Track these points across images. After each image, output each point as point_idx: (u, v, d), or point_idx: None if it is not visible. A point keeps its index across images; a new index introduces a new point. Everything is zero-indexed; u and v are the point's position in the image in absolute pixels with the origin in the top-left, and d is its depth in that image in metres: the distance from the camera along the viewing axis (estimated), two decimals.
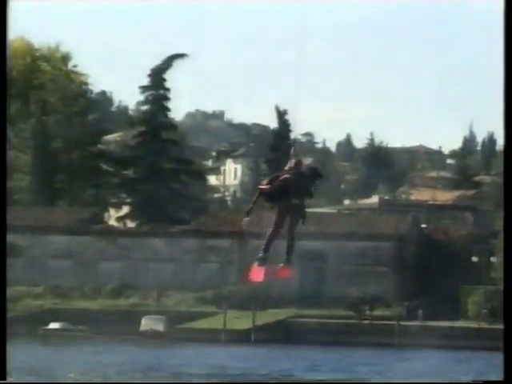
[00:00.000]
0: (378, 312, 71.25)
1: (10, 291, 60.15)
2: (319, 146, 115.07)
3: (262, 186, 17.18)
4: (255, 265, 16.37)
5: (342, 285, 76.12)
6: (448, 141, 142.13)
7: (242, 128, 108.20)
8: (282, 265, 16.41)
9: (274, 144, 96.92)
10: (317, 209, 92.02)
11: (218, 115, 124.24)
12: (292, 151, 16.57)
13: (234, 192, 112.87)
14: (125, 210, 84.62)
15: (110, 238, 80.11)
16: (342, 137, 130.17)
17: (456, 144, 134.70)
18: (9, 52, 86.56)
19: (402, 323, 69.17)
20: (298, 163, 16.55)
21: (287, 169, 16.33)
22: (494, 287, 74.04)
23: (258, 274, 17.85)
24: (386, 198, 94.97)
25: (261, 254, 16.82)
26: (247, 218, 17.70)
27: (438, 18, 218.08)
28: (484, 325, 71.37)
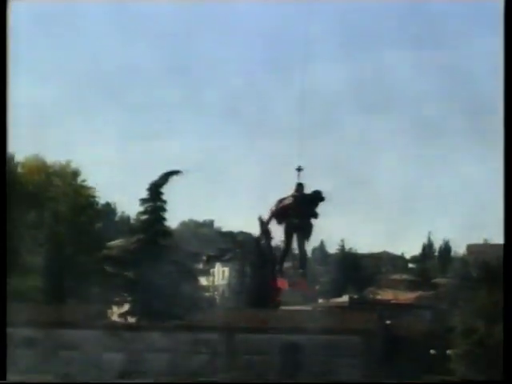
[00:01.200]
0: None
1: (24, 378, 61.24)
2: (297, 251, 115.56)
3: (273, 209, 19.07)
4: (277, 276, 19.40)
5: (316, 372, 76.01)
6: (409, 247, 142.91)
7: (229, 235, 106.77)
8: (299, 277, 19.75)
9: (256, 249, 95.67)
10: (295, 306, 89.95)
11: (208, 224, 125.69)
12: (297, 178, 19.20)
13: (223, 291, 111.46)
14: (126, 307, 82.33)
15: (112, 331, 78.12)
16: (317, 243, 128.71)
17: (416, 250, 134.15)
18: (25, 168, 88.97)
19: None
20: (300, 188, 19.15)
21: (292, 193, 19.03)
22: (451, 377, 75.13)
23: (283, 283, 19.50)
24: (356, 297, 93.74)
25: (277, 267, 19.55)
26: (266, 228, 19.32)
27: None
28: None
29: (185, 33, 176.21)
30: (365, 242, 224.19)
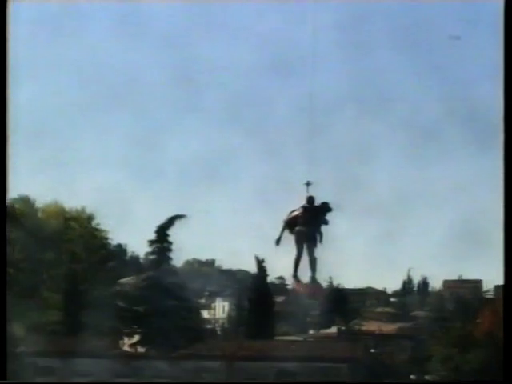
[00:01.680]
0: None
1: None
2: (290, 287, 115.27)
3: (285, 219, 19.48)
4: (295, 282, 19.88)
5: None
6: (391, 283, 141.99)
7: (229, 273, 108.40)
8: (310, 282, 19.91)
9: (253, 286, 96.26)
10: (288, 337, 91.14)
11: (210, 263, 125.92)
12: (307, 191, 19.29)
13: (223, 324, 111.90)
14: (136, 338, 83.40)
15: (123, 360, 78.09)
16: (306, 279, 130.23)
17: (397, 285, 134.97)
18: (44, 213, 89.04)
19: None
20: (310, 200, 19.29)
21: (302, 205, 19.27)
22: None
23: (302, 287, 20.38)
24: (343, 328, 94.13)
25: (294, 273, 19.96)
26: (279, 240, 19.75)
27: None
28: None
29: (189, 35, 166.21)
30: (350, 278, 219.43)
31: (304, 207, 20.15)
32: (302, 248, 20.38)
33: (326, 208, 20.12)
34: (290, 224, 20.27)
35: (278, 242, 20.01)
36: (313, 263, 20.57)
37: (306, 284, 21.44)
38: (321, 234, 20.21)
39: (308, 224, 19.94)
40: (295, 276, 20.94)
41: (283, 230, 20.38)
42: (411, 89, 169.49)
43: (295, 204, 20.80)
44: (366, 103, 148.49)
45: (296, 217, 20.23)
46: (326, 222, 20.05)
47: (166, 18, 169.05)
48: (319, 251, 20.87)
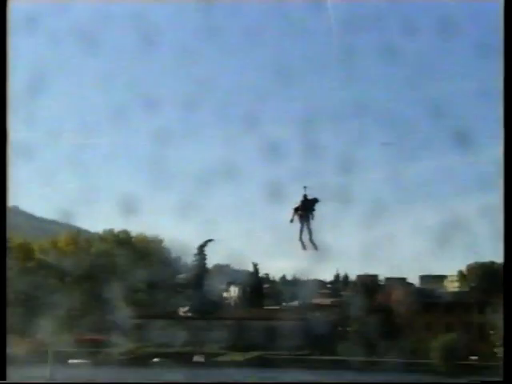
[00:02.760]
0: None
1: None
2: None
3: (294, 207, 23.43)
4: (301, 243, 23.13)
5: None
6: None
7: (239, 272, 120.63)
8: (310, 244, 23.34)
9: (251, 281, 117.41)
10: (270, 307, 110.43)
11: (228, 266, 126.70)
12: (304, 192, 23.39)
13: (235, 300, 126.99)
14: (186, 308, 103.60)
15: (180, 321, 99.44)
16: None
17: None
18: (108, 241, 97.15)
19: None
20: (305, 196, 23.54)
21: (302, 198, 23.43)
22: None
23: (306, 248, 23.40)
24: (301, 301, 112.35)
25: (300, 238, 23.26)
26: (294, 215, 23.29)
27: None
28: None
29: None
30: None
31: (302, 200, 23.16)
32: (303, 223, 23.41)
33: (315, 200, 23.35)
34: (296, 210, 23.41)
35: (291, 221, 23.03)
36: (310, 231, 23.40)
37: (305, 244, 23.64)
38: (313, 215, 23.28)
39: (305, 209, 23.39)
40: (300, 239, 23.24)
41: (293, 214, 23.04)
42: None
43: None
44: None
45: (299, 206, 23.46)
46: (313, 209, 23.22)
47: None
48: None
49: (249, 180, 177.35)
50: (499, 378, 16.46)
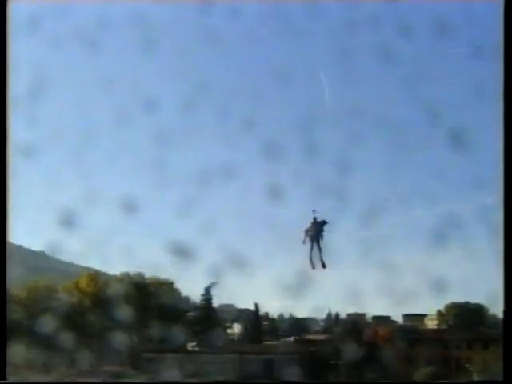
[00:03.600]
0: None
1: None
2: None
3: (305, 229, 23.28)
4: (311, 262, 22.98)
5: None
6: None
7: (242, 312, 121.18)
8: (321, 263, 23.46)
9: (252, 319, 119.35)
10: (268, 342, 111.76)
11: (231, 305, 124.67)
12: (313, 217, 23.33)
13: (238, 335, 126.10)
14: (195, 341, 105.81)
15: (188, 354, 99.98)
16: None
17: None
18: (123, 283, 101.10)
19: None
20: (315, 218, 23.64)
21: (312, 221, 23.39)
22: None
23: (313, 265, 23.26)
24: (296, 337, 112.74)
25: (309, 258, 23.12)
26: (306, 237, 23.16)
27: None
28: None
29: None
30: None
31: (312, 222, 23.23)
32: (313, 243, 23.31)
33: (324, 222, 23.43)
34: (306, 232, 23.45)
35: (303, 242, 22.88)
36: (320, 251, 23.31)
37: (315, 263, 23.62)
38: (322, 236, 23.31)
39: (315, 231, 23.51)
40: (310, 259, 23.12)
41: (304, 235, 23.11)
42: None
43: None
44: None
45: (309, 228, 23.56)
46: (323, 230, 23.32)
47: None
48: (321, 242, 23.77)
49: (249, 180, 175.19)
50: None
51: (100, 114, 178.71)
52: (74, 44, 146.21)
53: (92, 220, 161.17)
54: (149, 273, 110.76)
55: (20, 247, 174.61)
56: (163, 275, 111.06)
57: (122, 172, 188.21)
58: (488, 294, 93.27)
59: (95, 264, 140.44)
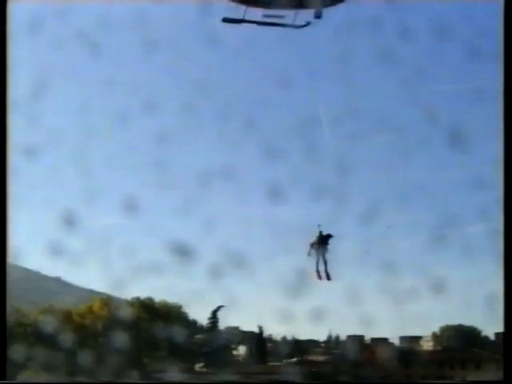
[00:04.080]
0: None
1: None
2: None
3: (310, 242, 23.23)
4: (316, 274, 22.90)
5: None
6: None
7: (246, 333, 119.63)
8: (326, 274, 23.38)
9: (257, 341, 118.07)
10: (272, 363, 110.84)
11: (237, 328, 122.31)
12: (318, 230, 23.29)
13: (243, 356, 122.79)
14: (202, 363, 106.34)
15: (196, 375, 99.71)
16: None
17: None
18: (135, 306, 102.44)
19: None
20: (320, 232, 23.52)
21: (317, 235, 23.26)
22: None
23: (321, 278, 23.19)
24: (299, 358, 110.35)
25: (316, 269, 22.99)
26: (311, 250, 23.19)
27: None
28: None
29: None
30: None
31: (318, 236, 23.24)
32: (318, 256, 23.25)
33: (329, 236, 23.40)
34: (312, 245, 23.49)
35: (308, 254, 22.86)
36: (325, 263, 23.27)
37: (321, 274, 23.40)
38: (327, 249, 23.27)
39: (320, 244, 23.46)
40: (317, 271, 23.03)
41: (310, 248, 23.08)
42: None
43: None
44: None
45: (315, 241, 23.58)
46: (328, 243, 23.38)
47: None
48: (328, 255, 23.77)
49: (249, 181, 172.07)
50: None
51: (101, 114, 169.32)
52: (75, 45, 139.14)
53: (92, 220, 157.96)
54: (158, 297, 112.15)
55: (38, 273, 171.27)
56: (172, 299, 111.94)
57: (122, 172, 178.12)
58: (488, 295, 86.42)
59: (95, 264, 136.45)
